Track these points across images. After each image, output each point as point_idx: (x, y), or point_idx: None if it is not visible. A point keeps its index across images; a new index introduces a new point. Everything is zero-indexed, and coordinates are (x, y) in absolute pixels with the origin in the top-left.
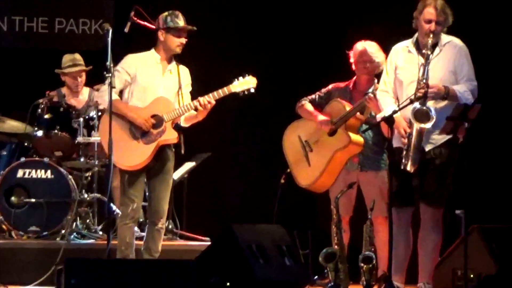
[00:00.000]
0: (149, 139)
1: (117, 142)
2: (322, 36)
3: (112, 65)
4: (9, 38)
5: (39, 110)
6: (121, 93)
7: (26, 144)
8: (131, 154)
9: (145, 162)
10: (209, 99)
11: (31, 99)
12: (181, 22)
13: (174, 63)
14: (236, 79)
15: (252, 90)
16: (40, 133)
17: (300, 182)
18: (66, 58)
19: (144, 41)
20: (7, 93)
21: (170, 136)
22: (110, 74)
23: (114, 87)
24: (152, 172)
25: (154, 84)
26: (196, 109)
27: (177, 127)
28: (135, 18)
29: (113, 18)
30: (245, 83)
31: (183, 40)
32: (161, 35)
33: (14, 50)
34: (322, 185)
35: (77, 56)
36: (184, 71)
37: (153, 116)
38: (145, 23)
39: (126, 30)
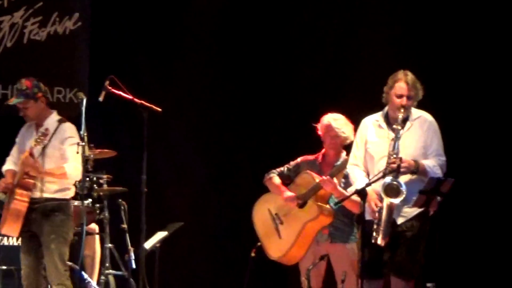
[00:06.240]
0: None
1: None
2: (293, 108)
3: (86, 134)
4: None
5: None
6: None
7: None
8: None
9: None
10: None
11: None
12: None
13: (50, 122)
14: None
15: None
16: None
17: (271, 254)
18: None
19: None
20: None
21: (15, 201)
22: (83, 143)
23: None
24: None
25: (26, 149)
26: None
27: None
28: (110, 88)
29: (88, 87)
30: None
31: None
32: None
33: None
34: (293, 257)
35: None
36: (61, 128)
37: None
38: (120, 92)
39: (101, 99)
